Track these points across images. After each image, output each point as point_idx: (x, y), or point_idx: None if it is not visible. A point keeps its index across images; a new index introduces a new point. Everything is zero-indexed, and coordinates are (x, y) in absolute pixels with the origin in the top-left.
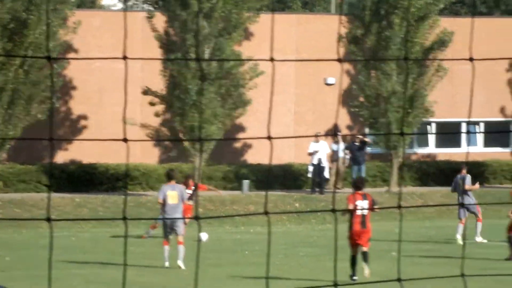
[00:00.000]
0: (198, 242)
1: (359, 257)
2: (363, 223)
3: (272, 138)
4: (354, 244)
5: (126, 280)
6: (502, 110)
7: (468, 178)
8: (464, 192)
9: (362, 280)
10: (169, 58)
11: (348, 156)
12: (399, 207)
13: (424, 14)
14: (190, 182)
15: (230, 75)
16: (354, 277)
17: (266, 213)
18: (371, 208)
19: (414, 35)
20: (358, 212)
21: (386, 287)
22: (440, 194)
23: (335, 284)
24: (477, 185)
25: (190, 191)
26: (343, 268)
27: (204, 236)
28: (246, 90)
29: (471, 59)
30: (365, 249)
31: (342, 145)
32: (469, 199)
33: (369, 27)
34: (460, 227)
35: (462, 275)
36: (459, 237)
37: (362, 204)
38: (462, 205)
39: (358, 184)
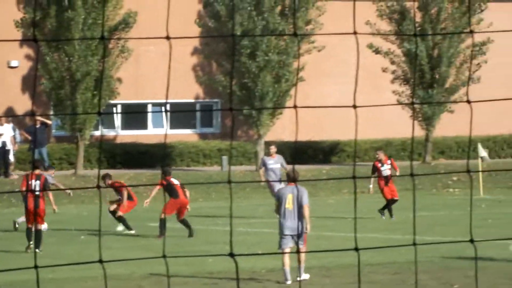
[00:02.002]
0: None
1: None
2: (36, 202)
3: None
4: (30, 221)
5: None
6: (189, 92)
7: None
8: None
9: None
10: None
11: (19, 139)
12: (98, 187)
13: None
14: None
15: None
16: (37, 249)
17: None
18: (46, 190)
19: (97, 17)
20: (32, 189)
21: (86, 269)
22: (128, 177)
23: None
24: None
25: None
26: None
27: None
28: None
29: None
30: (39, 227)
31: (10, 128)
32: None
33: (48, 10)
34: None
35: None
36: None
37: (35, 184)
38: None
39: (35, 164)
